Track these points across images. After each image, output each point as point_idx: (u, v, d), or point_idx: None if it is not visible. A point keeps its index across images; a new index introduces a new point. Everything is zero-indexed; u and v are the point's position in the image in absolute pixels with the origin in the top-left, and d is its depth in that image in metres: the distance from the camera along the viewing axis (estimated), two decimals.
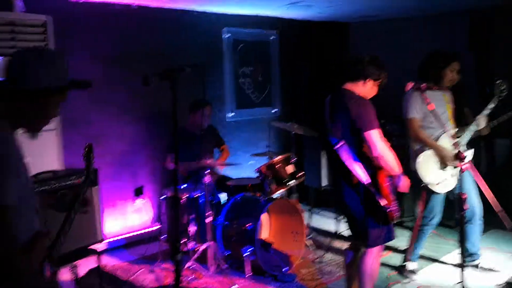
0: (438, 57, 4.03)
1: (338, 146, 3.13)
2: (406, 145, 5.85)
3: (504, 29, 5.84)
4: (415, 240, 4.21)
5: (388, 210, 3.02)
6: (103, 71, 4.98)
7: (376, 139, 2.99)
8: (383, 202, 3.02)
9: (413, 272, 4.20)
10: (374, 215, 3.09)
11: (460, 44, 5.92)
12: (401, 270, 4.26)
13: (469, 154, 4.06)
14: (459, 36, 6.13)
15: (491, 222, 4.55)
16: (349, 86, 3.22)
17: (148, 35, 5.35)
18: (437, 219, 4.14)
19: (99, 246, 4.17)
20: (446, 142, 3.92)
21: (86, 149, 2.37)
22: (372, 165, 3.10)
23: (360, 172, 3.07)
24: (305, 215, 4.81)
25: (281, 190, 4.52)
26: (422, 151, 4.01)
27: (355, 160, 3.09)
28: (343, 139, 3.12)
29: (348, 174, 3.11)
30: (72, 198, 2.22)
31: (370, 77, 3.17)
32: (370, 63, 3.18)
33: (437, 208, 4.10)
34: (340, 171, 3.17)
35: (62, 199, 2.26)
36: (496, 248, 4.72)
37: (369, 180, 3.07)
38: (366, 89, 3.21)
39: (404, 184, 3.13)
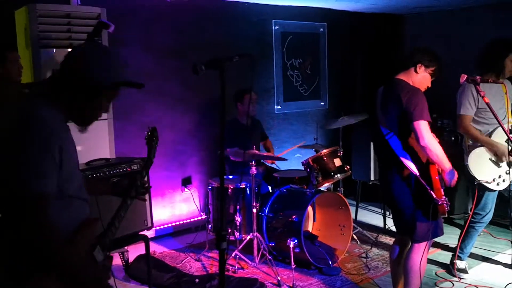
0: (497, 46, 3.85)
1: (389, 136, 3.07)
2: (459, 139, 5.73)
3: None
4: (466, 237, 4.09)
5: (439, 203, 2.94)
6: (156, 62, 5.10)
7: (424, 129, 2.92)
8: (434, 195, 2.95)
9: (463, 270, 4.08)
10: (423, 209, 3.02)
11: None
12: (450, 268, 4.15)
13: None
14: None
15: None
16: (402, 76, 3.16)
17: (200, 27, 5.42)
18: (489, 217, 4.00)
19: (148, 233, 4.28)
20: (500, 137, 3.77)
21: (149, 133, 2.35)
22: (421, 158, 3.03)
23: (410, 164, 3.01)
24: (352, 209, 4.76)
25: (328, 183, 4.49)
26: (475, 147, 3.88)
27: (403, 151, 3.03)
28: (393, 130, 3.06)
29: (400, 165, 3.05)
30: (129, 183, 2.24)
31: (420, 62, 3.11)
32: (420, 50, 3.13)
33: (490, 205, 3.96)
34: (390, 163, 3.11)
35: (119, 184, 2.28)
36: None
37: (420, 173, 3.00)
38: (419, 77, 3.14)
39: (452, 177, 3.04)
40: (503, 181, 3.85)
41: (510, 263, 4.21)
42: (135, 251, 4.28)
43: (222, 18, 5.61)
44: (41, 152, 1.65)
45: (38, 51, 3.82)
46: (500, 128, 3.51)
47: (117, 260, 4.28)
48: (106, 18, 4.15)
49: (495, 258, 4.45)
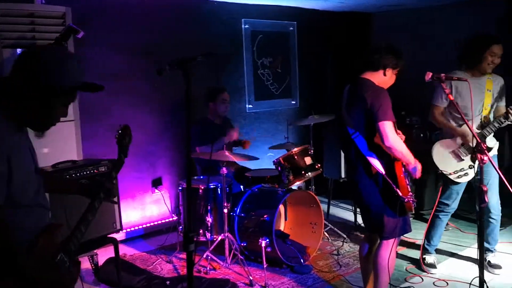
0: (477, 41, 3.92)
1: (355, 136, 3.09)
2: (427, 136, 5.84)
3: None
4: (431, 228, 4.20)
5: (406, 201, 2.98)
6: (124, 61, 5.02)
7: (388, 130, 2.96)
8: (400, 193, 2.99)
9: (432, 265, 4.14)
10: (391, 206, 3.06)
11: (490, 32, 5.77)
12: (419, 263, 4.21)
13: (494, 147, 3.99)
14: (488, 24, 5.98)
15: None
16: (368, 75, 3.18)
17: (169, 26, 5.37)
18: (453, 207, 4.11)
19: (118, 236, 4.21)
20: (468, 132, 3.87)
21: (120, 131, 2.22)
22: (387, 156, 3.06)
23: (376, 163, 3.04)
24: (324, 207, 4.78)
25: (299, 182, 4.50)
26: (440, 139, 4.01)
27: (369, 151, 3.06)
28: (358, 129, 3.09)
29: (366, 164, 3.08)
30: (97, 185, 2.15)
31: (388, 66, 3.14)
32: (388, 51, 3.13)
33: (454, 196, 4.07)
34: (357, 162, 3.13)
35: (88, 185, 2.20)
36: None
37: (386, 171, 3.03)
38: (386, 78, 3.18)
39: (415, 170, 3.08)
40: (465, 174, 3.93)
41: (477, 258, 4.28)
42: (105, 254, 4.21)
43: (192, 17, 5.57)
44: None
45: (0, 51, 3.72)
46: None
47: (86, 264, 4.21)
48: (71, 17, 4.07)
49: (462, 253, 4.53)
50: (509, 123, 3.83)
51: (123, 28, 5.02)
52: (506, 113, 3.80)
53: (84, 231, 1.98)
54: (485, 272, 3.89)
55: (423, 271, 4.11)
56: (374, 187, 3.09)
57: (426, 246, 4.22)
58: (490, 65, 3.90)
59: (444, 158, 3.97)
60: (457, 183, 3.99)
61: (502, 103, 4.02)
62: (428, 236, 4.23)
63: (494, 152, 4.01)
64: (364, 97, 3.03)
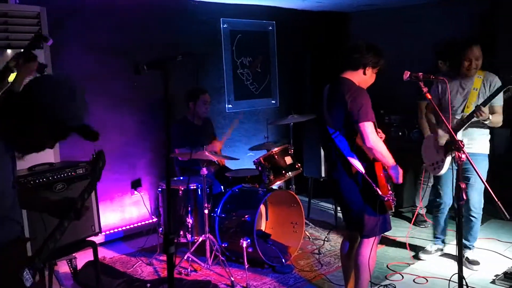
0: (451, 47, 4.14)
1: (335, 135, 3.09)
2: (405, 134, 5.90)
3: None
4: (434, 225, 4.53)
5: (385, 199, 3.00)
6: (101, 62, 4.95)
7: (369, 131, 2.97)
8: (379, 192, 3.00)
9: (474, 262, 4.16)
10: (371, 205, 3.07)
11: (466, 32, 5.86)
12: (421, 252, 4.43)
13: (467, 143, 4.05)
14: (463, 23, 6.08)
15: (491, 213, 4.52)
16: (348, 74, 3.18)
17: (147, 26, 5.31)
18: (444, 201, 4.28)
19: (97, 239, 4.16)
20: (443, 131, 3.97)
21: (95, 156, 2.17)
22: (367, 156, 3.08)
23: (356, 162, 3.05)
24: (304, 206, 4.79)
25: (280, 181, 4.50)
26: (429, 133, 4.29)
27: (350, 151, 3.07)
28: (339, 129, 3.09)
29: (346, 164, 3.08)
30: (68, 206, 2.08)
31: (368, 65, 3.14)
32: (369, 50, 3.14)
33: (440, 191, 4.26)
34: (337, 161, 3.14)
35: (58, 206, 2.13)
36: (495, 239, 4.69)
37: (366, 170, 3.05)
38: (366, 77, 3.18)
39: (397, 172, 3.10)
40: (439, 167, 4.06)
41: (456, 254, 4.33)
42: (84, 257, 4.14)
43: (170, 17, 5.52)
44: None
45: None
46: (455, 121, 3.90)
47: (65, 268, 4.15)
48: (46, 17, 4.00)
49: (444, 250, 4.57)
50: (477, 119, 3.83)
51: (100, 28, 4.95)
52: (473, 111, 3.79)
53: (53, 248, 1.92)
54: (464, 269, 3.97)
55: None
56: (355, 186, 3.11)
57: (435, 240, 4.49)
58: (468, 69, 3.91)
59: (426, 150, 4.23)
60: (439, 178, 4.16)
61: (497, 103, 3.92)
62: (434, 232, 4.52)
63: (479, 150, 4.02)
64: (344, 97, 3.03)
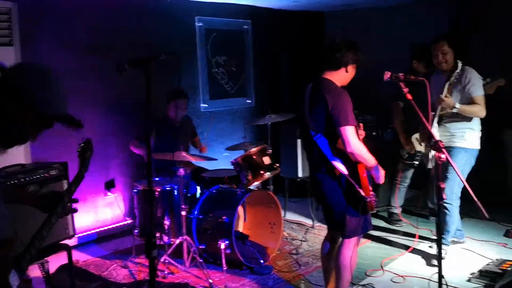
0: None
1: (317, 137, 3.08)
2: (379, 134, 5.96)
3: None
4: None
5: (368, 200, 3.00)
6: (75, 60, 4.83)
7: (350, 135, 2.97)
8: (362, 193, 3.00)
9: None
10: (354, 205, 3.07)
11: (439, 32, 5.94)
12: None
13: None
14: (437, 24, 6.17)
15: (465, 212, 4.59)
16: (329, 75, 3.16)
17: (122, 24, 5.21)
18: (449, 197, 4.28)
19: (70, 241, 4.03)
20: (433, 128, 4.06)
21: (83, 145, 2.16)
22: (350, 158, 3.07)
23: (339, 164, 3.04)
24: (281, 206, 4.76)
25: (258, 182, 4.45)
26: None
27: (332, 153, 3.05)
28: (321, 131, 3.07)
29: (329, 165, 3.07)
30: (56, 200, 2.01)
31: (349, 62, 3.14)
32: (349, 48, 3.13)
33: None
34: (320, 163, 3.12)
35: (45, 199, 2.06)
36: (470, 237, 4.76)
37: (349, 172, 3.04)
38: (348, 74, 3.19)
39: (378, 173, 3.11)
40: (427, 161, 4.22)
41: (433, 253, 4.38)
42: (56, 260, 4.01)
43: (145, 15, 5.42)
44: None
45: None
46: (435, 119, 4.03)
47: (37, 272, 4.01)
48: (17, 13, 3.86)
49: (418, 248, 4.62)
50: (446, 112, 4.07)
51: (73, 26, 4.82)
52: (436, 100, 3.98)
53: (39, 247, 1.84)
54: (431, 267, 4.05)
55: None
56: (338, 188, 3.09)
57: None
58: (438, 64, 4.15)
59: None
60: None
61: (476, 93, 4.03)
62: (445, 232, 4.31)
63: (457, 144, 4.14)
64: (325, 99, 3.02)
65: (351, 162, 3.06)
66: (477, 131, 4.19)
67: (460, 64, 4.02)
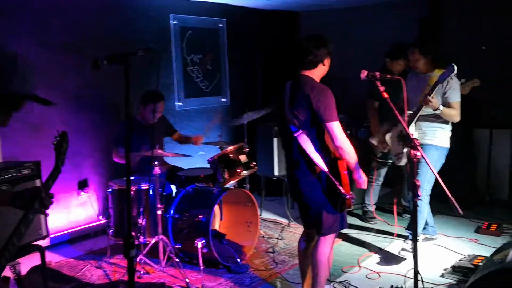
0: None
1: (297, 134, 3.08)
2: (352, 133, 6.03)
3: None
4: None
5: (347, 198, 3.02)
6: (50, 56, 4.73)
7: (337, 130, 3.00)
8: (342, 190, 3.02)
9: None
10: (332, 203, 3.09)
11: (411, 33, 6.04)
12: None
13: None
14: (409, 25, 6.26)
15: (437, 209, 4.67)
16: (307, 72, 3.17)
17: (97, 21, 5.13)
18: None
19: (42, 242, 3.94)
20: (411, 126, 4.14)
21: (58, 138, 2.15)
22: (330, 155, 3.09)
23: (319, 161, 3.05)
24: (258, 205, 4.76)
25: (235, 180, 4.43)
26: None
27: (315, 150, 3.06)
28: (302, 128, 3.08)
29: (310, 162, 3.08)
30: (32, 195, 1.98)
31: (325, 57, 3.17)
32: (318, 47, 3.14)
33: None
34: (299, 160, 3.12)
35: (21, 196, 2.01)
36: (442, 234, 4.85)
37: (329, 169, 3.05)
38: (325, 67, 3.22)
39: (360, 177, 3.14)
40: (400, 158, 4.37)
41: (408, 249, 4.44)
42: (28, 261, 3.91)
43: (119, 12, 5.34)
44: None
45: None
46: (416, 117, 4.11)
47: (7, 274, 3.90)
48: None
49: (390, 245, 4.68)
50: (431, 113, 4.12)
51: (46, 22, 4.71)
52: (422, 100, 4.03)
53: (18, 244, 1.80)
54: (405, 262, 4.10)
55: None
56: (317, 185, 3.10)
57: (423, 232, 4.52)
58: (414, 68, 4.33)
59: (392, 142, 4.58)
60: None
61: (453, 99, 4.10)
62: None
63: (428, 142, 4.22)
64: (308, 97, 3.02)
65: (332, 159, 3.08)
66: (448, 130, 4.28)
67: (455, 68, 4.04)
